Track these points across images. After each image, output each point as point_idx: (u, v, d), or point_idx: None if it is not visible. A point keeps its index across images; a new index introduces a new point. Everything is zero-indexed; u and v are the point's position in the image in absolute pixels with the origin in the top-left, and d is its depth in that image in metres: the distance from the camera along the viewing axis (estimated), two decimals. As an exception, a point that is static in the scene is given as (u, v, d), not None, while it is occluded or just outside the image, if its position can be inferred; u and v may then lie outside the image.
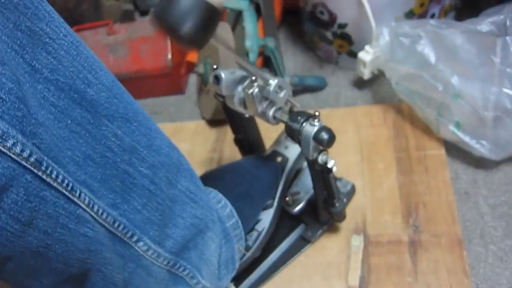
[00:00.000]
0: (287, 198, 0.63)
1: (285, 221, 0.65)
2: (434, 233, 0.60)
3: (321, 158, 0.50)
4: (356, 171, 0.69)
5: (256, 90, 0.50)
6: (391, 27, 0.67)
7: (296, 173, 0.66)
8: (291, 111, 0.54)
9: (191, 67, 0.92)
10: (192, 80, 0.92)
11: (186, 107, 0.88)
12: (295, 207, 0.63)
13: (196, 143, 0.81)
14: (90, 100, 0.36)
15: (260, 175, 0.60)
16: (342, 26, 0.76)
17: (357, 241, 0.62)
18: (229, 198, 0.57)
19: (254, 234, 0.60)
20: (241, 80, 0.53)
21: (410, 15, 0.73)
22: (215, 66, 0.55)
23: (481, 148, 0.63)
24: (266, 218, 0.60)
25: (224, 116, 0.62)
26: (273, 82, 0.50)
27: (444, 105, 0.64)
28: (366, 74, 0.76)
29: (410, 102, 0.69)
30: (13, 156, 0.28)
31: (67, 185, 0.34)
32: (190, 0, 0.44)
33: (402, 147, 0.70)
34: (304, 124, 0.49)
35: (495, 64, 0.57)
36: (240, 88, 0.54)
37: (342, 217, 0.60)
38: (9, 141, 0.28)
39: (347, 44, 0.79)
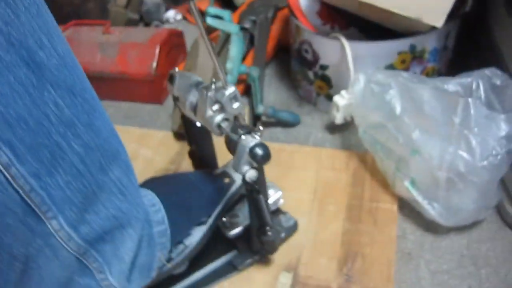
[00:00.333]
0: (224, 219, 0.61)
1: (219, 243, 0.62)
2: (365, 286, 0.57)
3: (249, 175, 0.48)
4: (305, 210, 0.67)
5: (212, 92, 0.49)
6: (367, 74, 0.67)
7: (240, 198, 0.64)
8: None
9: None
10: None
11: (160, 118, 0.88)
12: (231, 230, 0.61)
13: (159, 152, 0.80)
14: (39, 63, 0.35)
15: (202, 189, 0.59)
16: (324, 67, 0.77)
17: (285, 279, 0.59)
18: (165, 205, 0.55)
19: (180, 247, 0.57)
20: (196, 84, 0.53)
21: (390, 69, 0.73)
22: (176, 69, 0.55)
23: (432, 210, 0.60)
24: (197, 234, 0.58)
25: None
26: (231, 89, 0.49)
27: (403, 159, 0.63)
28: (338, 118, 0.75)
29: (373, 152, 0.68)
30: None
31: None
32: None
33: (357, 195, 0.68)
34: (243, 136, 0.48)
35: (455, 124, 0.56)
36: (193, 92, 0.53)
37: (272, 248, 0.58)
38: None
39: (326, 86, 0.79)
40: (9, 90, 0.33)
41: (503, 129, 0.55)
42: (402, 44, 0.70)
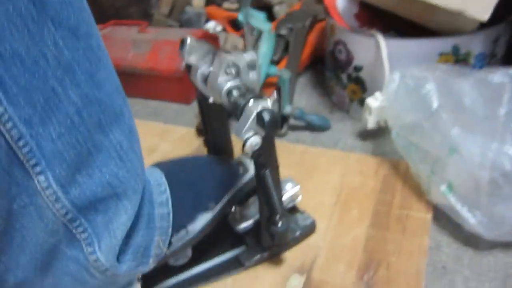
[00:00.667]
0: (233, 209, 0.56)
1: (226, 237, 0.57)
2: (388, 297, 0.49)
3: (251, 141, 0.43)
4: (325, 213, 0.61)
5: (230, 55, 0.46)
6: (402, 71, 0.62)
7: (254, 193, 0.59)
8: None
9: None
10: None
11: (185, 117, 0.86)
12: (241, 224, 0.55)
13: (178, 147, 0.77)
14: None
15: (212, 174, 0.54)
16: (358, 69, 0.72)
17: (297, 281, 0.52)
18: (171, 185, 0.51)
19: (182, 232, 0.52)
20: (209, 52, 0.50)
21: (431, 72, 0.67)
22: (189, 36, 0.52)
23: (472, 219, 0.52)
24: (202, 220, 0.53)
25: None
26: (252, 54, 0.45)
27: (439, 161, 0.56)
28: (371, 122, 0.70)
29: (406, 156, 0.62)
30: None
31: None
32: None
33: (385, 202, 0.61)
34: (251, 100, 0.43)
35: (499, 117, 0.49)
36: (206, 59, 0.50)
37: (283, 241, 0.51)
38: None
39: (360, 91, 0.74)
40: (6, 21, 0.31)
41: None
42: (443, 44, 0.65)
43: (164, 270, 0.53)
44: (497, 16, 0.61)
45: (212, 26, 1.17)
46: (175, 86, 0.87)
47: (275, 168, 0.49)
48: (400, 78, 0.62)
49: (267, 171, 0.45)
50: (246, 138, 0.43)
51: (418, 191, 0.61)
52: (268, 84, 0.83)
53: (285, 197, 0.57)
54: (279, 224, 0.49)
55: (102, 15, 1.01)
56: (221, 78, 0.46)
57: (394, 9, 0.67)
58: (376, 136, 0.74)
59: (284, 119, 0.77)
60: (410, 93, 0.58)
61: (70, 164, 0.38)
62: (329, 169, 0.68)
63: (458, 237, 0.55)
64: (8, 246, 0.38)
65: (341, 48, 0.73)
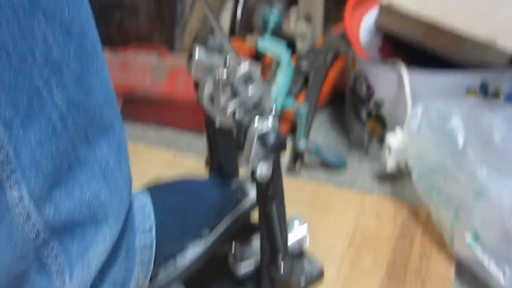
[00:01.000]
0: (233, 248, 0.51)
1: (224, 279, 0.52)
2: None
3: (260, 170, 0.39)
4: (336, 258, 0.55)
5: (223, 70, 0.42)
6: (425, 104, 0.57)
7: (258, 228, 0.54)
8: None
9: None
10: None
11: (197, 146, 0.82)
12: (240, 265, 0.50)
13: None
14: None
15: (207, 197, 0.50)
16: (378, 104, 0.68)
17: (296, 333, 0.46)
18: (159, 208, 0.46)
19: (170, 263, 0.47)
20: (215, 67, 0.46)
21: (458, 111, 0.62)
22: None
23: (501, 275, 0.46)
24: (193, 250, 0.48)
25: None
26: (245, 64, 0.41)
27: (464, 206, 0.50)
28: (390, 163, 0.64)
29: (428, 201, 0.56)
30: None
31: None
32: None
33: (403, 251, 0.55)
34: (256, 119, 0.39)
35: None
36: (211, 76, 0.46)
37: (285, 286, 0.46)
38: None
39: (379, 128, 0.70)
40: None
41: None
42: (471, 80, 0.60)
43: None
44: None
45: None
46: (190, 114, 0.85)
47: (281, 200, 0.44)
48: (423, 112, 0.57)
49: (272, 204, 0.41)
50: (254, 167, 0.38)
51: (440, 240, 0.55)
52: (285, 118, 0.80)
53: (291, 236, 0.52)
54: (282, 267, 0.44)
55: (125, 39, 1.02)
56: (222, 99, 0.43)
57: (419, 41, 0.63)
58: (395, 178, 0.68)
59: (298, 155, 0.73)
60: (434, 129, 0.53)
61: (47, 177, 0.34)
62: (343, 210, 0.62)
63: (485, 297, 0.49)
64: None
65: (361, 81, 0.69)
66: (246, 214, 0.50)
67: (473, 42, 0.55)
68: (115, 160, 0.39)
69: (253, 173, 0.39)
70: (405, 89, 0.61)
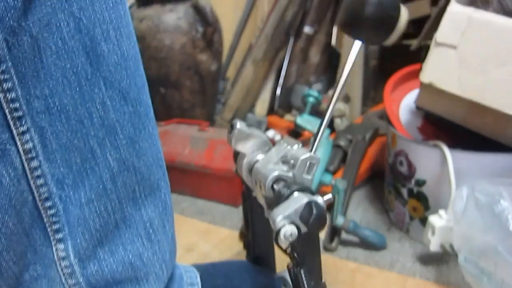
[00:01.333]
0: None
1: None
2: None
3: (285, 230, 0.37)
4: None
5: (286, 146, 0.42)
6: (470, 185, 0.55)
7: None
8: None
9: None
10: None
11: (232, 219, 0.81)
12: None
13: (217, 248, 0.71)
14: (98, 55, 0.33)
15: (255, 282, 0.48)
16: (420, 183, 0.66)
17: None
18: (206, 285, 0.45)
19: None
20: (262, 142, 0.47)
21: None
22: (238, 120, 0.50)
23: None
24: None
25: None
26: (316, 156, 0.41)
27: (519, 296, 0.46)
28: (434, 244, 0.61)
29: (477, 286, 0.52)
30: None
31: (19, 115, 0.29)
32: None
33: None
34: (296, 192, 0.39)
35: None
36: (256, 150, 0.47)
37: None
38: None
39: (421, 208, 0.67)
40: (62, 76, 0.31)
41: None
42: (519, 161, 0.58)
43: None
44: None
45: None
46: (225, 186, 0.85)
47: (312, 267, 0.41)
48: (469, 194, 0.55)
49: (300, 270, 0.38)
50: (280, 227, 0.37)
51: (493, 333, 0.50)
52: (322, 194, 0.78)
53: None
54: None
55: (169, 114, 1.06)
56: (272, 165, 0.43)
57: (462, 121, 0.62)
58: (439, 261, 0.64)
59: (335, 231, 0.70)
60: (482, 211, 0.51)
61: (93, 236, 0.34)
62: (383, 293, 0.58)
63: None
64: None
65: (402, 159, 0.68)
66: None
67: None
68: (160, 220, 0.39)
69: (277, 233, 0.37)
70: (449, 169, 0.60)
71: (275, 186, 0.41)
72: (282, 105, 1.28)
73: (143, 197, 0.37)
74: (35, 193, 0.32)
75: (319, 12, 1.27)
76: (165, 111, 1.07)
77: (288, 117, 1.25)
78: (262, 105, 1.27)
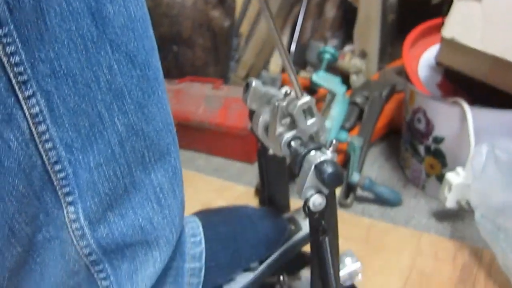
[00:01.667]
0: (282, 278, 0.49)
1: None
2: None
3: (314, 200, 0.38)
4: (390, 299, 0.52)
5: (284, 102, 0.42)
6: (490, 143, 0.54)
7: (308, 261, 0.52)
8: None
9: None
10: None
11: (247, 176, 0.82)
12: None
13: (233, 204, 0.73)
14: (104, 17, 0.32)
15: (258, 228, 0.49)
16: (438, 140, 0.65)
17: None
18: (210, 237, 0.46)
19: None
20: (271, 98, 0.47)
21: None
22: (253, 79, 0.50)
23: None
24: (240, 282, 0.47)
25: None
26: (305, 99, 0.41)
27: (535, 252, 0.46)
28: (450, 201, 0.61)
29: (492, 244, 0.52)
30: None
31: (24, 79, 0.29)
32: None
33: (464, 296, 0.51)
34: (312, 151, 0.39)
35: None
36: (267, 107, 0.47)
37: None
38: None
39: (438, 165, 0.67)
40: (67, 39, 0.30)
41: None
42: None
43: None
44: None
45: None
46: (241, 144, 0.85)
47: (335, 236, 0.42)
48: (489, 151, 0.54)
49: (326, 238, 0.39)
50: (307, 198, 0.38)
51: (506, 286, 0.50)
52: (338, 151, 0.78)
53: (342, 273, 0.50)
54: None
55: (182, 72, 1.05)
56: (279, 130, 0.42)
57: (484, 78, 0.61)
58: (455, 217, 0.65)
59: (351, 187, 0.71)
60: (501, 169, 0.50)
61: (103, 199, 0.35)
62: (398, 249, 0.59)
63: None
64: (25, 282, 0.35)
65: (420, 116, 0.67)
66: (298, 247, 0.49)
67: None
68: (170, 185, 0.39)
69: (305, 204, 0.38)
70: (468, 127, 0.59)
71: (293, 144, 0.41)
72: (297, 61, 1.26)
73: (152, 161, 0.37)
74: (44, 157, 0.32)
75: (336, -37, 1.22)
76: (177, 69, 1.06)
77: (303, 74, 1.23)
78: (276, 62, 1.25)
